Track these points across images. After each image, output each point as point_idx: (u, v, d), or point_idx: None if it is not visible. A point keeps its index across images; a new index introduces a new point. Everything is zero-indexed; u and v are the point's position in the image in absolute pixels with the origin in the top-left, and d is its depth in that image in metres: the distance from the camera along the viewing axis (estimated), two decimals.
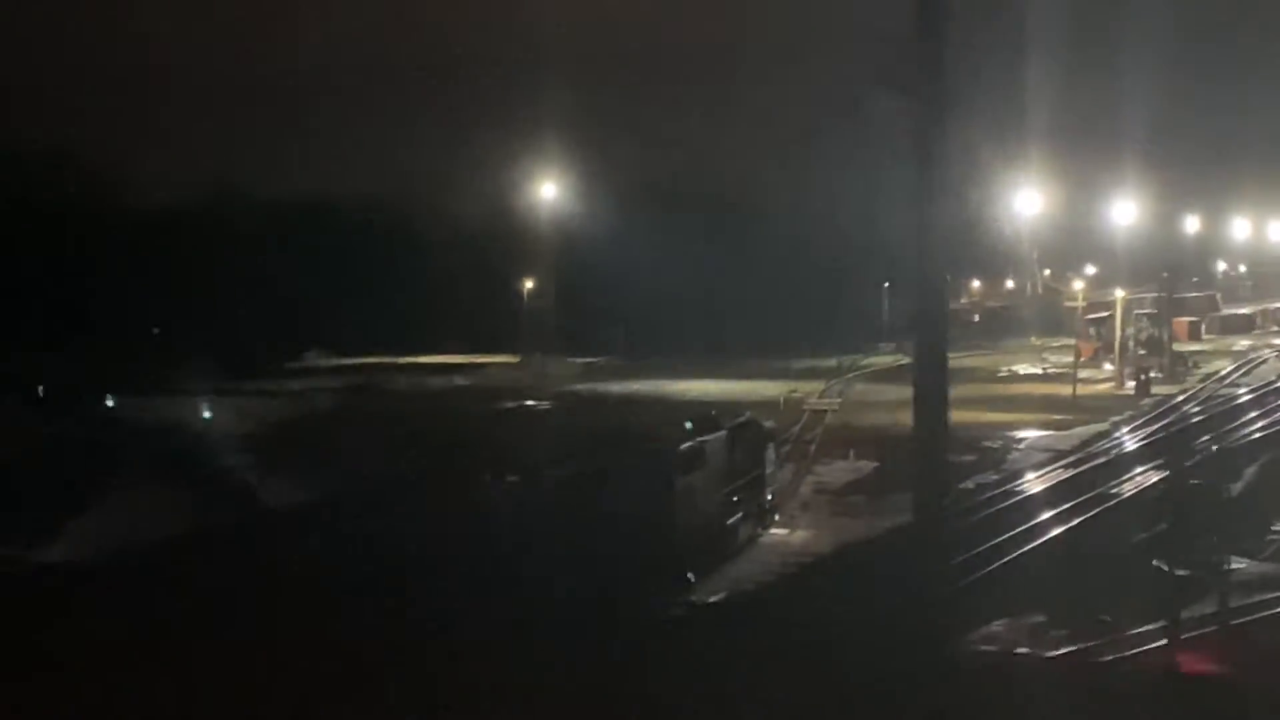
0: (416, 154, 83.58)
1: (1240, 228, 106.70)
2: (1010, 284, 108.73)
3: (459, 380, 64.39)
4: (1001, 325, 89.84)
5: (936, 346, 16.75)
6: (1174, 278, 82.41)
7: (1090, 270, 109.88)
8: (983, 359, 72.70)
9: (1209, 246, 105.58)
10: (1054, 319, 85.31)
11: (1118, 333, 64.15)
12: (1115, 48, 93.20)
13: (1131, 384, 59.10)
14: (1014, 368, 69.61)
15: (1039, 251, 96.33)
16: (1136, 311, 74.61)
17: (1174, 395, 55.35)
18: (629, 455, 27.53)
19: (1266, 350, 73.03)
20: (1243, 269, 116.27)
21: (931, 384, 16.79)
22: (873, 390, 58.83)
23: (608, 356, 72.52)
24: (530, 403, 57.08)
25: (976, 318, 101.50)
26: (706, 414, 34.06)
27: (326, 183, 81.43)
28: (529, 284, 74.35)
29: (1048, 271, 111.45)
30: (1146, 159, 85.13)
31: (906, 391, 50.86)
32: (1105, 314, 75.32)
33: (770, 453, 34.78)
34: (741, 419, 34.16)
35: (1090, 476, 37.21)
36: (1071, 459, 41.13)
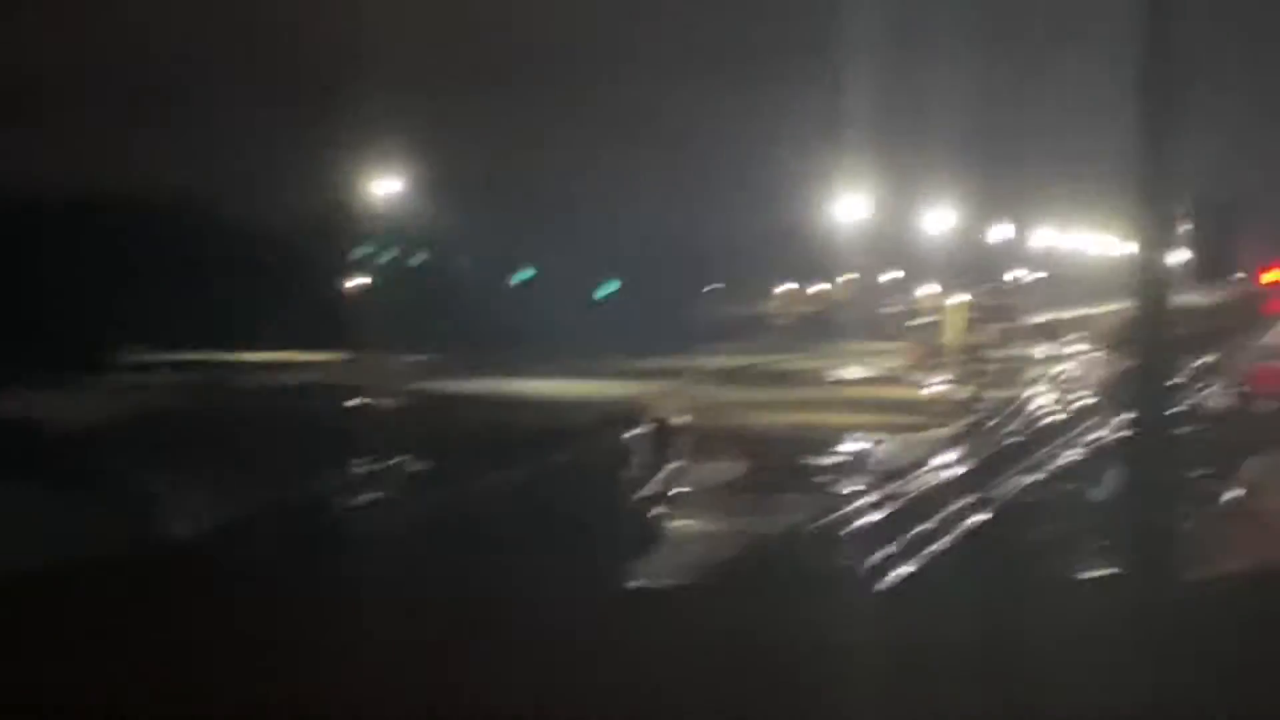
0: (238, 148, 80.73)
1: (1041, 235, 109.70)
2: (817, 289, 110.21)
3: (296, 377, 62.93)
4: (817, 329, 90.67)
5: None
6: (987, 283, 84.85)
7: (898, 274, 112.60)
8: (811, 362, 73.76)
9: (1014, 252, 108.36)
10: (870, 323, 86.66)
11: (950, 336, 65.36)
12: (943, 58, 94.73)
13: (963, 389, 60.33)
14: (845, 371, 70.44)
15: (856, 256, 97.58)
16: (960, 316, 76.58)
17: (1016, 398, 57.05)
18: (580, 453, 27.54)
19: (1080, 353, 75.28)
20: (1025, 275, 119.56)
21: None
22: (720, 393, 59.27)
23: (434, 354, 71.40)
24: (379, 401, 56.25)
25: (783, 321, 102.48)
26: (625, 410, 34.29)
27: (141, 178, 78.38)
28: (354, 280, 72.91)
29: (853, 276, 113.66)
30: (964, 166, 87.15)
31: (753, 394, 52.13)
32: (932, 318, 77.17)
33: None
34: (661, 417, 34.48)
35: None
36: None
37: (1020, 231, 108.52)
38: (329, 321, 71.36)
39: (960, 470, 40.00)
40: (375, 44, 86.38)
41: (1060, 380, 63.12)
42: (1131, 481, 36.63)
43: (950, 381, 61.85)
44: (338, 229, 73.59)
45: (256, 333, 69.34)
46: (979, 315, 72.86)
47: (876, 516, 34.42)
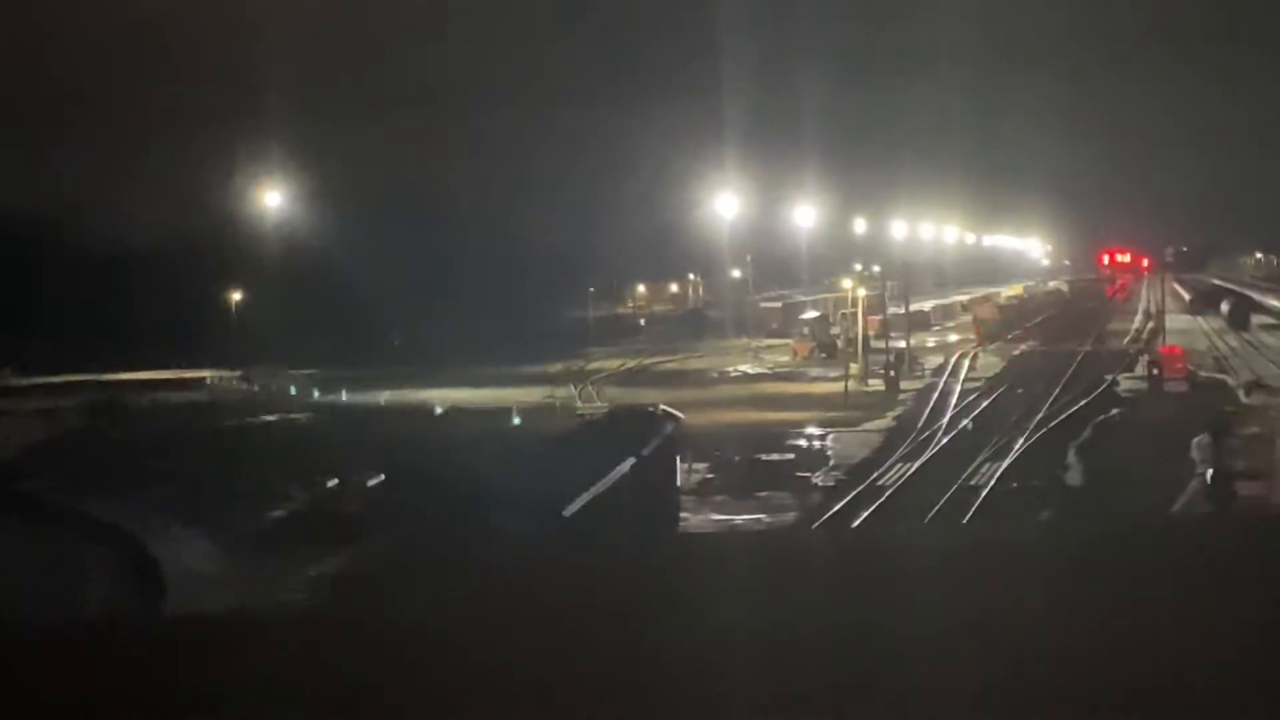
0: (107, 165, 78.16)
1: (897, 229, 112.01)
2: (674, 288, 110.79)
3: (191, 395, 60.90)
4: (687, 328, 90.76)
5: None
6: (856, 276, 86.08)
7: (735, 272, 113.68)
8: (699, 361, 73.65)
9: (874, 247, 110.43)
10: (740, 320, 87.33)
11: (860, 330, 65.57)
12: (806, 63, 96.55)
13: (873, 381, 60.42)
14: (738, 368, 70.28)
15: (720, 255, 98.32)
16: (842, 311, 77.26)
17: (923, 389, 57.63)
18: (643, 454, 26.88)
19: (956, 343, 76.50)
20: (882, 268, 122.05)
21: None
22: (627, 394, 58.71)
23: (323, 368, 69.68)
24: (292, 416, 54.72)
25: (642, 321, 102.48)
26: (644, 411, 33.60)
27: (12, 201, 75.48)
28: (237, 295, 71.07)
29: (693, 276, 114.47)
30: (828, 168, 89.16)
31: (658, 394, 51.31)
32: (816, 314, 77.75)
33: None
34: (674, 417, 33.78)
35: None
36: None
37: (879, 226, 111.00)
38: (213, 338, 69.45)
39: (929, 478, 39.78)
40: (260, 62, 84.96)
41: (962, 370, 63.69)
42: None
43: (855, 375, 61.77)
44: (221, 245, 71.80)
45: (145, 351, 67.17)
46: (852, 309, 73.60)
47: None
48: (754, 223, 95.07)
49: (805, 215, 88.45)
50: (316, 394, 61.27)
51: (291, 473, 39.73)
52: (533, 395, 59.94)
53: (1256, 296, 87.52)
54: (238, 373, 65.74)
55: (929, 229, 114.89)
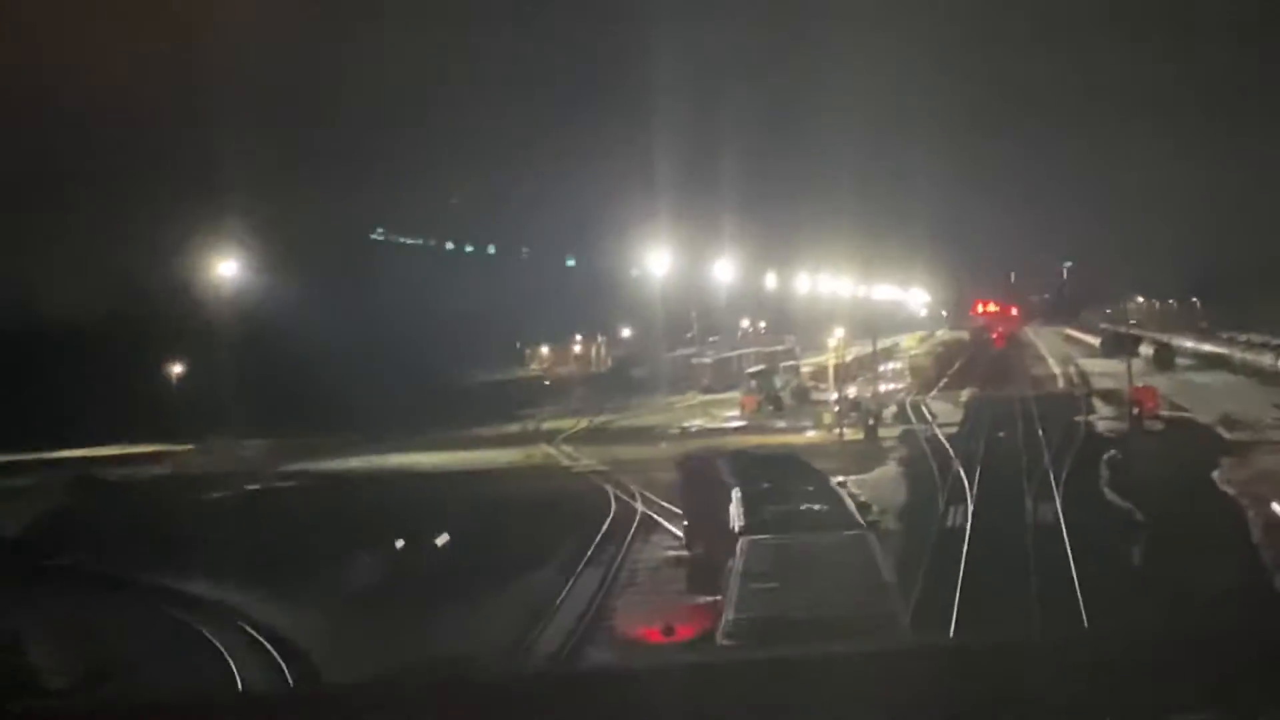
0: (59, 245, 75.61)
1: (803, 282, 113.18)
2: (578, 348, 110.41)
3: (155, 470, 59.17)
4: (613, 386, 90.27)
5: None
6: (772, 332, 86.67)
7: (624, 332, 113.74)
8: (651, 418, 73.39)
9: (783, 300, 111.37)
10: (673, 375, 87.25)
11: (831, 382, 65.85)
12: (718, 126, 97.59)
13: (846, 431, 60.53)
14: (694, 423, 70.03)
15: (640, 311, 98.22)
16: (784, 364, 77.70)
17: (901, 436, 58.07)
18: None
19: (890, 391, 77.12)
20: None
21: None
22: (606, 451, 58.48)
23: (271, 436, 68.03)
24: (277, 485, 53.63)
25: (547, 383, 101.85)
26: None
27: None
28: (178, 368, 69.22)
29: (601, 336, 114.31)
30: (740, 227, 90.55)
31: (640, 450, 51.19)
32: (762, 366, 77.96)
33: None
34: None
35: None
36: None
37: (787, 281, 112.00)
38: (153, 411, 67.46)
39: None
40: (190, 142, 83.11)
41: (926, 417, 64.24)
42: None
43: (829, 425, 62.00)
44: (155, 316, 69.92)
45: (88, 427, 64.90)
46: (794, 363, 74.25)
47: None
48: (669, 280, 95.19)
49: (723, 270, 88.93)
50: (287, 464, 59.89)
51: (337, 537, 38.95)
52: (509, 456, 59.47)
53: (1173, 340, 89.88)
54: (191, 446, 64.03)
55: (828, 281, 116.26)
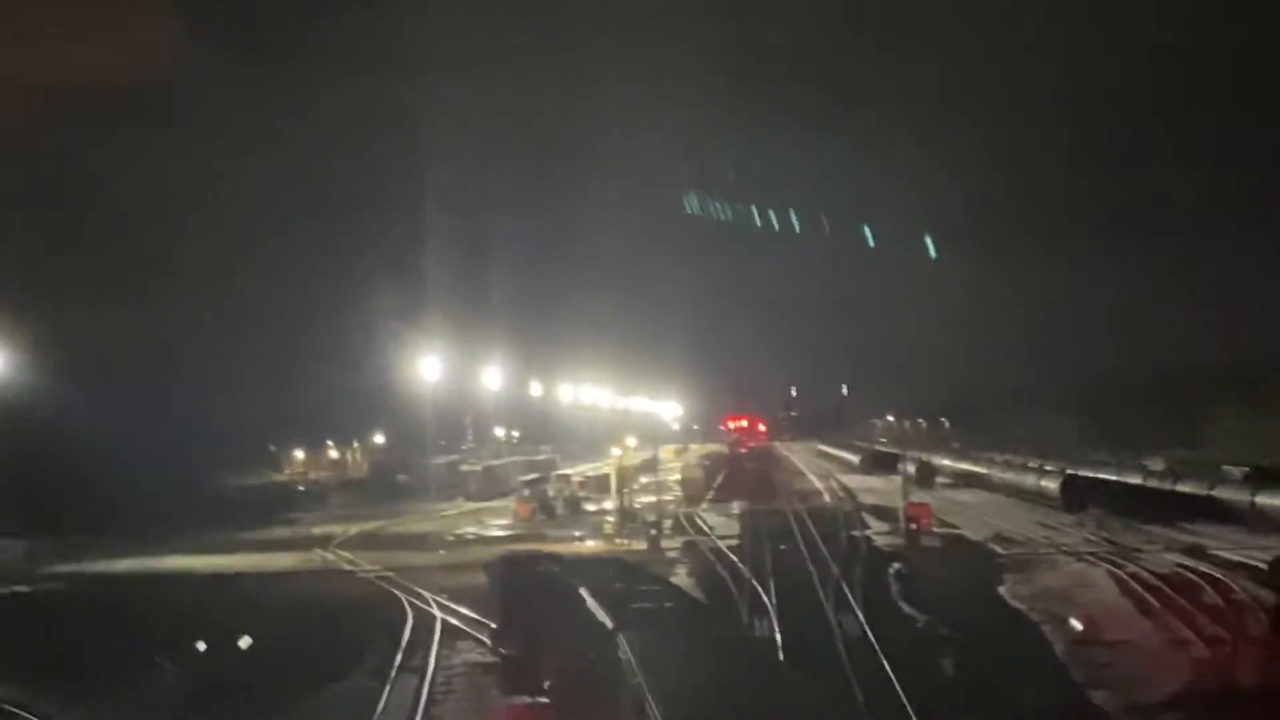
0: None
1: (566, 392, 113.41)
2: (334, 453, 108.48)
3: None
4: (377, 493, 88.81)
5: None
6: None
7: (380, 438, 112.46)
8: (423, 524, 72.38)
9: (543, 410, 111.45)
10: (441, 482, 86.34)
11: (614, 491, 65.71)
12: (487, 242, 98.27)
13: (625, 541, 60.46)
14: (468, 530, 69.21)
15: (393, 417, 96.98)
16: (555, 473, 77.56)
17: (684, 547, 58.35)
18: None
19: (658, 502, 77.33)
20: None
21: None
22: (384, 557, 57.39)
23: (25, 538, 64.72)
24: (45, 586, 51.03)
25: (301, 488, 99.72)
26: None
27: None
28: None
29: (356, 443, 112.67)
30: (512, 336, 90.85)
31: (420, 557, 50.98)
32: (535, 475, 77.63)
33: None
34: None
35: None
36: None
37: (548, 391, 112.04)
38: None
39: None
40: None
41: (703, 528, 64.71)
42: None
43: (608, 535, 61.76)
44: None
45: None
46: (567, 474, 74.22)
47: None
48: (426, 388, 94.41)
49: (485, 379, 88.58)
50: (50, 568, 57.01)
51: (131, 640, 37.26)
52: (286, 561, 57.97)
53: (932, 458, 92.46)
54: None
55: (588, 392, 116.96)
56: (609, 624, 27.37)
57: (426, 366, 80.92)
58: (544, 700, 30.24)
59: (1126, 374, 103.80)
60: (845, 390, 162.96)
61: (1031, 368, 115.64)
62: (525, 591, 33.26)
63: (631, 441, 73.85)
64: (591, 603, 29.44)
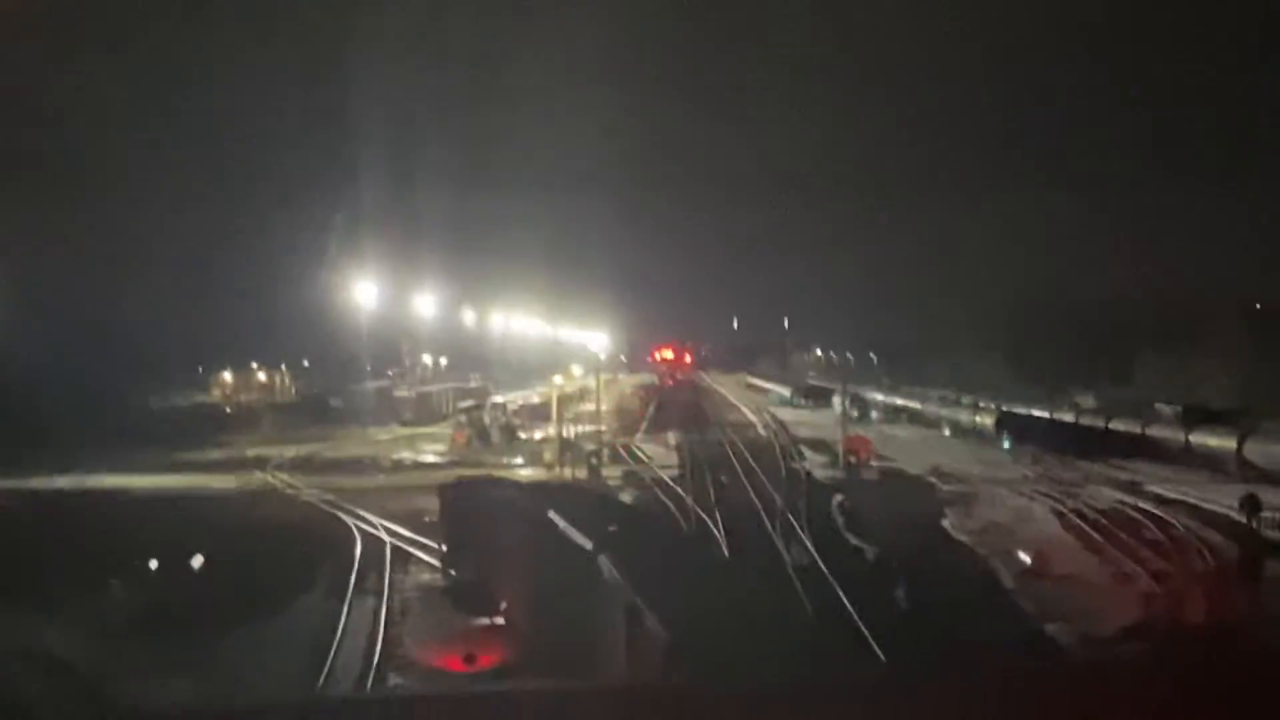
0: None
1: (497, 321, 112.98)
2: (263, 376, 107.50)
3: None
4: (309, 416, 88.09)
5: None
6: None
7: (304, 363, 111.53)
8: (358, 449, 71.95)
9: (480, 336, 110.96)
10: (375, 408, 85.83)
11: (555, 419, 65.43)
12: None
13: (568, 470, 60.32)
14: (405, 455, 68.85)
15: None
16: (491, 401, 77.30)
17: (624, 475, 58.38)
18: None
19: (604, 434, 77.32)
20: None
21: None
22: (324, 481, 57.04)
23: None
24: None
25: (228, 410, 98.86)
26: None
27: None
28: None
29: (283, 365, 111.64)
30: (446, 266, 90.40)
31: (360, 480, 50.70)
32: (472, 402, 77.30)
33: None
34: None
35: None
36: None
37: (481, 319, 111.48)
38: None
39: None
40: None
41: (642, 458, 64.71)
42: None
43: (551, 464, 61.57)
44: None
45: None
46: (504, 401, 74.00)
47: None
48: (356, 312, 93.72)
49: (419, 305, 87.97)
50: None
51: (77, 558, 36.71)
52: (224, 482, 57.49)
53: (865, 393, 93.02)
54: None
55: (518, 321, 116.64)
56: (588, 545, 27.14)
57: (362, 291, 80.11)
58: (500, 621, 30.23)
59: (1050, 313, 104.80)
60: (786, 323, 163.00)
61: (957, 305, 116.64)
62: (489, 514, 33.09)
63: (578, 370, 73.41)
64: (563, 525, 29.23)
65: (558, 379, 71.48)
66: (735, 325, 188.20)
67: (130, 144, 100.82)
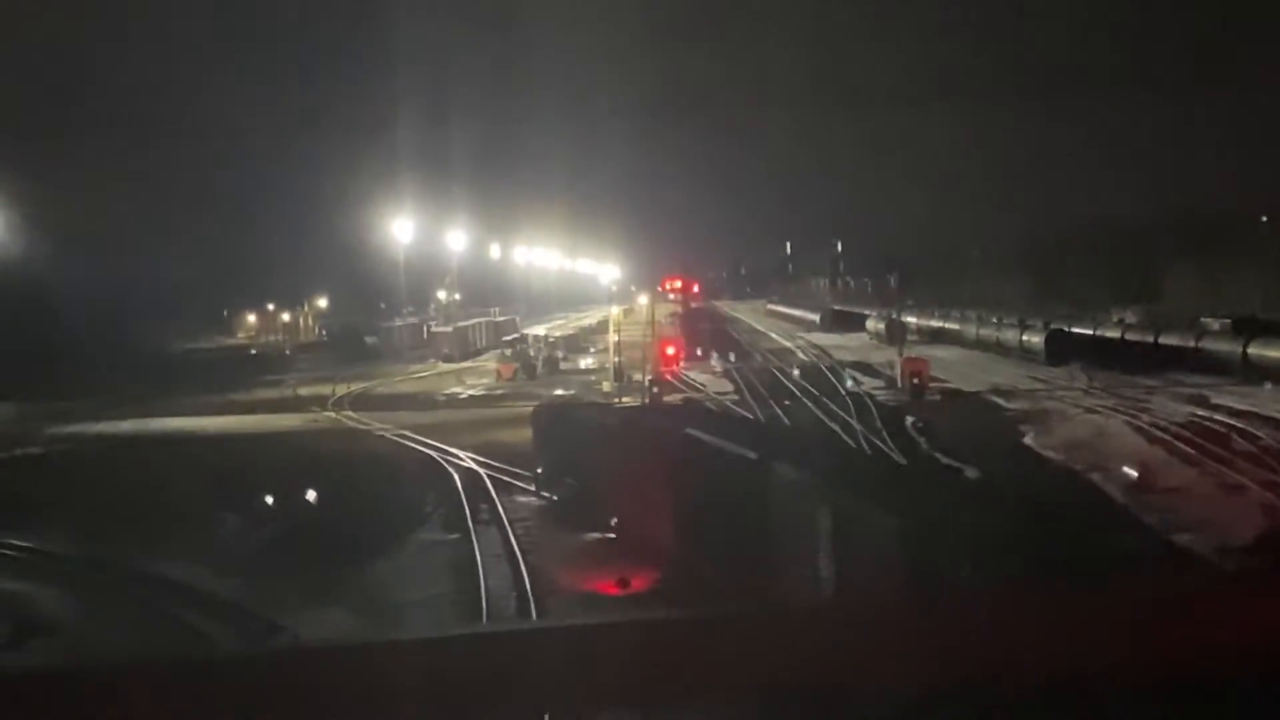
0: None
1: (522, 254, 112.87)
2: (286, 316, 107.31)
3: None
4: (348, 354, 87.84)
5: None
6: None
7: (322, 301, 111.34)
8: (407, 385, 71.96)
9: (504, 271, 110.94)
10: (415, 344, 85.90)
11: (611, 350, 65.43)
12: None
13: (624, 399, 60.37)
14: (456, 390, 68.70)
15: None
16: (532, 334, 77.35)
17: (683, 402, 58.28)
18: None
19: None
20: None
21: None
22: (385, 417, 56.92)
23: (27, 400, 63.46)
24: (58, 448, 50.26)
25: (254, 351, 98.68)
26: None
27: None
28: None
29: (305, 306, 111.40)
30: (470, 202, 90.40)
31: (419, 417, 50.61)
32: (516, 335, 77.33)
33: None
34: None
35: None
36: None
37: (505, 255, 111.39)
38: None
39: None
40: None
41: (697, 385, 64.71)
42: None
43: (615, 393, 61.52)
44: None
45: None
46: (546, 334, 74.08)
47: None
48: (379, 250, 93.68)
49: (457, 240, 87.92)
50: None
51: (184, 496, 36.62)
52: (291, 421, 57.47)
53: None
54: None
55: (542, 254, 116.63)
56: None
57: (390, 227, 79.95)
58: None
59: (1076, 232, 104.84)
60: (789, 249, 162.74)
61: (978, 226, 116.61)
62: (596, 434, 33.34)
63: (643, 299, 73.36)
64: (708, 439, 29.44)
65: (614, 308, 71.40)
66: (756, 251, 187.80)
67: (154, 78, 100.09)
